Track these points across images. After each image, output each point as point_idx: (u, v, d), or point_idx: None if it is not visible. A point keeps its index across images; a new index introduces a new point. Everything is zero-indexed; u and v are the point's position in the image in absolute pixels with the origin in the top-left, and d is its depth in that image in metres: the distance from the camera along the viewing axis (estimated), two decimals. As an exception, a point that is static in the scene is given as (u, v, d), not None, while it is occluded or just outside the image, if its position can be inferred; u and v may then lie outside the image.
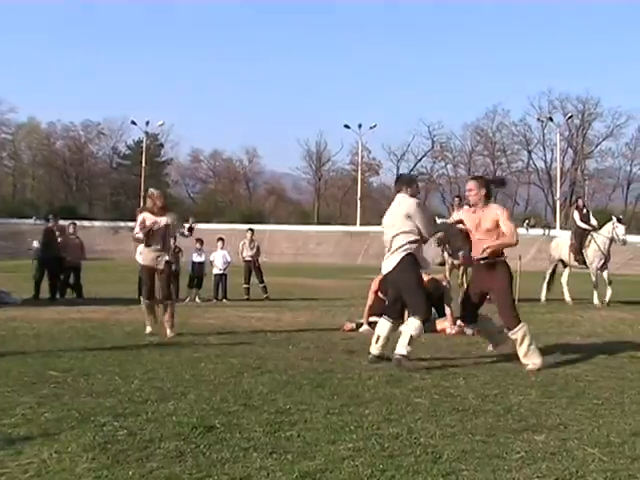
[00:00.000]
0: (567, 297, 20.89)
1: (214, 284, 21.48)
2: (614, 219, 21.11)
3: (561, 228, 72.78)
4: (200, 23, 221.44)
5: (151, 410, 6.34)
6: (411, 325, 9.06)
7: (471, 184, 9.47)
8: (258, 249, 22.90)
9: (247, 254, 22.65)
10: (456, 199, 22.41)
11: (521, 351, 9.06)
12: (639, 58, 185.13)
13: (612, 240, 20.86)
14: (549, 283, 21.65)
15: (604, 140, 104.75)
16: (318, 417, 6.19)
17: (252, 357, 9.51)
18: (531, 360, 8.97)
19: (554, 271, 21.90)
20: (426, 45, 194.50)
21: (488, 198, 9.36)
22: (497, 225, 9.19)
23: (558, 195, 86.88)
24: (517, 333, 9.04)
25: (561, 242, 22.16)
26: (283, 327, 13.41)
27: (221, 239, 22.56)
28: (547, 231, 71.45)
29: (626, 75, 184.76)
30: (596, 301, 20.06)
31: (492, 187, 9.62)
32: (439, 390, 7.47)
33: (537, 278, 21.29)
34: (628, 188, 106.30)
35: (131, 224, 70.91)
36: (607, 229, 21.05)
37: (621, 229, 20.81)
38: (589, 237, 20.98)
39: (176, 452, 5.11)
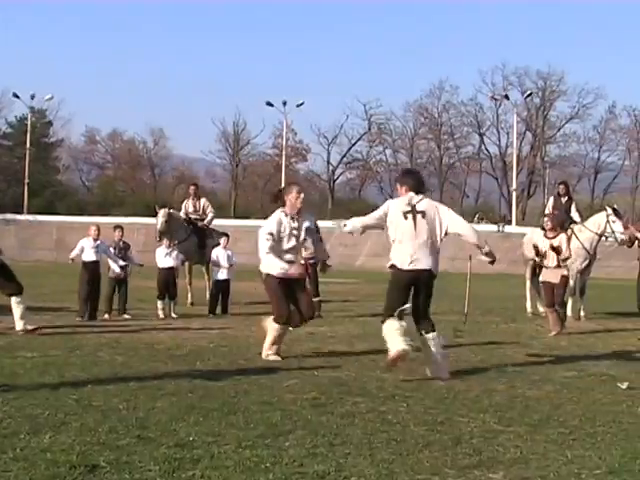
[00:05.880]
0: (529, 306, 20.51)
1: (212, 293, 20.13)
2: (609, 210, 20.08)
3: (517, 223, 73.74)
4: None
5: (20, 445, 6.09)
6: None
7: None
8: None
9: None
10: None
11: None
12: (608, 28, 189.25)
13: (601, 237, 19.94)
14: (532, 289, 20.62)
15: (568, 122, 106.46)
16: (228, 451, 6.05)
17: (150, 376, 9.35)
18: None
19: (534, 272, 20.25)
20: (362, 11, 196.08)
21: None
22: None
23: (514, 185, 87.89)
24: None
25: (535, 238, 20.39)
26: (190, 339, 13.28)
27: (226, 235, 20.67)
28: (501, 226, 72.30)
29: (594, 48, 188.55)
30: (569, 312, 19.58)
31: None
32: (375, 416, 7.42)
33: (489, 281, 21.31)
34: (595, 178, 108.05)
35: (19, 217, 68.60)
36: (596, 223, 20.12)
37: (618, 224, 19.85)
38: (570, 231, 19.66)
39: (48, 499, 4.88)
